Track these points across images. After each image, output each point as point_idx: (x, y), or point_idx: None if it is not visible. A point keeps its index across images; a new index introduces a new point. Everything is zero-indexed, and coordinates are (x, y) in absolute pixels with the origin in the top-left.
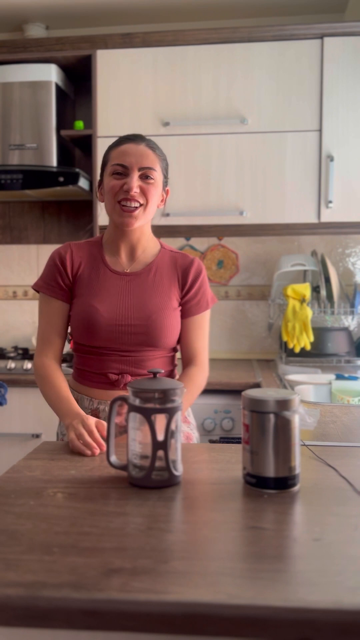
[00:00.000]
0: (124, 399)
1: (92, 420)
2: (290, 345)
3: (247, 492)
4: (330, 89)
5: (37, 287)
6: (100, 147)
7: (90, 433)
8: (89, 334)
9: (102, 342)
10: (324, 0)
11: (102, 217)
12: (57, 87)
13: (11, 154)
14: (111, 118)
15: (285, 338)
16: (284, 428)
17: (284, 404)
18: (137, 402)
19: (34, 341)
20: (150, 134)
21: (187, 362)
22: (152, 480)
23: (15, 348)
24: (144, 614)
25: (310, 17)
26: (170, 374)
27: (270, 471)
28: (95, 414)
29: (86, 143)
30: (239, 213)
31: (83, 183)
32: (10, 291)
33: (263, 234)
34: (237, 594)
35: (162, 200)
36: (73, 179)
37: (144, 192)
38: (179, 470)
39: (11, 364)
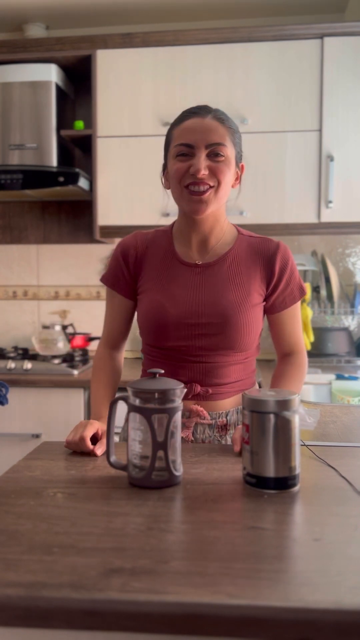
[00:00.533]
0: (124, 400)
1: (90, 431)
2: None
3: (247, 492)
4: (330, 89)
5: (102, 280)
6: (100, 147)
7: (81, 440)
8: (156, 334)
9: (171, 343)
10: (324, 0)
11: (102, 217)
12: (57, 87)
13: (11, 154)
14: (111, 118)
15: None
16: (284, 428)
17: (284, 404)
18: (137, 402)
19: (34, 341)
20: (150, 134)
21: (287, 353)
22: (152, 480)
23: (15, 348)
24: (144, 614)
25: (310, 17)
26: (249, 384)
27: (270, 471)
28: None
29: (86, 143)
30: (239, 213)
31: (83, 183)
32: (10, 291)
33: (263, 234)
34: (237, 594)
35: (236, 179)
36: (73, 179)
37: (214, 172)
38: (179, 470)
39: (11, 364)
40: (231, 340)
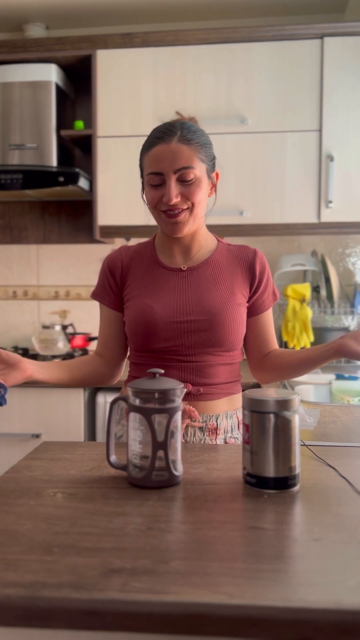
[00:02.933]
0: (124, 400)
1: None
2: (291, 345)
3: (247, 492)
4: (330, 89)
5: (92, 296)
6: (100, 147)
7: None
8: (145, 336)
9: (160, 343)
10: (324, 0)
11: (102, 217)
12: (57, 87)
13: (11, 154)
14: (111, 118)
15: (285, 338)
16: (284, 428)
17: (284, 404)
18: (137, 402)
19: (34, 341)
20: None
21: (266, 353)
22: (152, 480)
23: (15, 348)
24: (144, 614)
25: (310, 17)
26: (237, 389)
27: (270, 471)
28: None
29: (86, 143)
30: (239, 213)
31: (83, 183)
32: (10, 291)
33: (263, 234)
34: (237, 594)
35: (212, 188)
36: (73, 179)
37: (186, 196)
38: (179, 470)
39: None
40: (218, 337)
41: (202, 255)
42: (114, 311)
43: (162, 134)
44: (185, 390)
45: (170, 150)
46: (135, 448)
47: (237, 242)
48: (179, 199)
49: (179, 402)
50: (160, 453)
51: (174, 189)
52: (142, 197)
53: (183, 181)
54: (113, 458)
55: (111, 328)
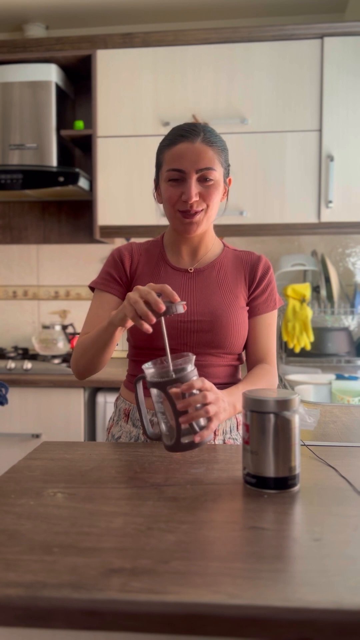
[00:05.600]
0: (143, 378)
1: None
2: (291, 345)
3: (247, 492)
4: (330, 89)
5: (92, 284)
6: (100, 147)
7: (147, 293)
8: (148, 333)
9: (162, 341)
10: (323, 0)
11: (102, 217)
12: (57, 87)
13: (11, 154)
14: (111, 118)
15: (285, 338)
16: (284, 428)
17: (284, 404)
18: (154, 378)
19: (34, 341)
20: (150, 134)
21: (256, 363)
22: (183, 445)
23: (15, 348)
24: (144, 614)
25: (310, 17)
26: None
27: (270, 471)
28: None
29: (86, 143)
30: (239, 213)
31: (83, 183)
32: (10, 291)
33: (263, 234)
34: (237, 594)
35: (224, 193)
36: (73, 179)
37: (203, 198)
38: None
39: (11, 364)
40: (220, 338)
41: (208, 257)
42: (117, 298)
43: (187, 133)
44: (193, 357)
45: (195, 149)
46: (164, 420)
47: (237, 242)
48: (197, 199)
49: (190, 368)
50: (183, 418)
51: (194, 188)
52: (153, 195)
53: (203, 181)
54: (150, 430)
55: (105, 313)
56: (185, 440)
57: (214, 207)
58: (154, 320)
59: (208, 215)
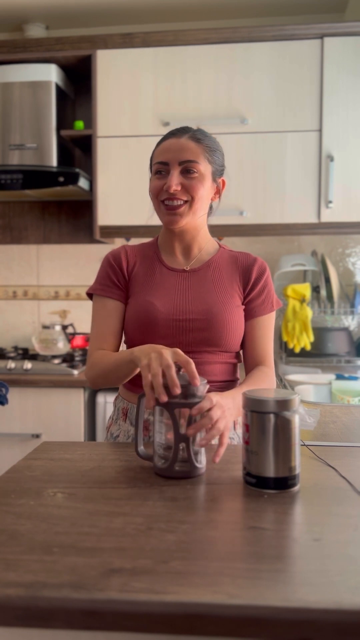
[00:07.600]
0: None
1: (168, 353)
2: (291, 345)
3: (247, 492)
4: (330, 89)
5: (91, 291)
6: (101, 147)
7: (168, 368)
8: (146, 332)
9: (160, 340)
10: (323, 0)
11: (102, 217)
12: (57, 87)
13: (11, 154)
14: (111, 118)
15: (285, 338)
16: (284, 428)
17: (284, 404)
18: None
19: (34, 341)
20: (150, 134)
21: (254, 365)
22: (176, 471)
23: (15, 348)
24: (144, 614)
25: (310, 17)
26: (232, 388)
27: (270, 471)
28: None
29: (86, 143)
30: (239, 213)
31: (83, 183)
32: (10, 291)
33: (263, 234)
34: (237, 594)
35: (216, 192)
36: (73, 179)
37: (186, 189)
38: (202, 462)
39: (11, 364)
40: (216, 336)
41: (203, 257)
42: (119, 302)
43: (176, 131)
44: (207, 385)
45: (179, 143)
46: (160, 440)
47: (237, 242)
48: (179, 188)
49: (201, 396)
50: (183, 445)
51: (175, 177)
52: (150, 195)
53: (186, 173)
54: (141, 449)
55: (112, 321)
56: (180, 467)
57: (200, 202)
58: (166, 400)
59: (194, 209)
